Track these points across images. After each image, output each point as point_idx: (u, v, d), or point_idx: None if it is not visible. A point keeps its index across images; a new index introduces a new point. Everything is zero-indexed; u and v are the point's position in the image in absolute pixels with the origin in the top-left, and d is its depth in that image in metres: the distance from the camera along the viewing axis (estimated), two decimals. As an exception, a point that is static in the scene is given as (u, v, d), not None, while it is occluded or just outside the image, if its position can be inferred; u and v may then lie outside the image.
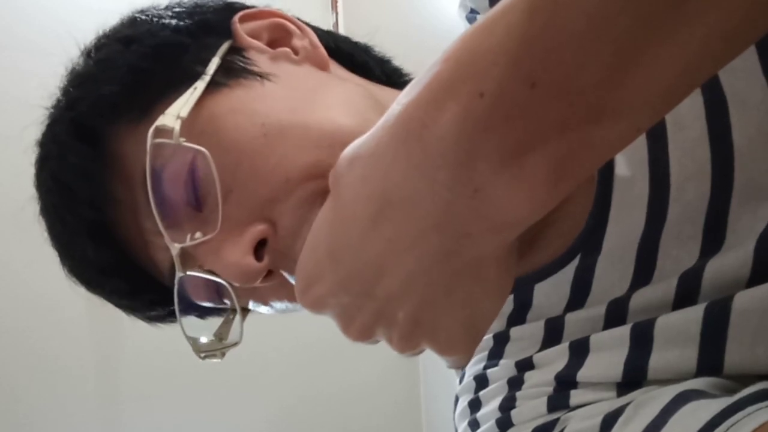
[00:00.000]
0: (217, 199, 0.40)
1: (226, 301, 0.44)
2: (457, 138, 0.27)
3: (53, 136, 0.45)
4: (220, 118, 0.41)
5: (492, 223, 0.29)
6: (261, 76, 0.43)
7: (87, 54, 0.46)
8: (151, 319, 0.50)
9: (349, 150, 0.32)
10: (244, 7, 0.49)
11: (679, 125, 0.40)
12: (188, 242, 0.41)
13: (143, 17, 0.46)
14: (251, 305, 0.46)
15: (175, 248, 0.41)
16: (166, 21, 0.45)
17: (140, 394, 1.74)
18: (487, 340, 0.48)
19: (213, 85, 0.42)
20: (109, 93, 0.43)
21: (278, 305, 0.45)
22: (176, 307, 0.44)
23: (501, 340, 0.47)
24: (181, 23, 0.45)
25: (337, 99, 0.44)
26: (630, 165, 0.41)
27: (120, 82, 0.43)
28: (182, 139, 0.40)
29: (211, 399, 1.83)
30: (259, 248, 0.41)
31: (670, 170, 0.40)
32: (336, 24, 1.97)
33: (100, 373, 1.70)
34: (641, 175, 0.41)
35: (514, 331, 0.47)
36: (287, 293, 0.43)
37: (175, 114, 0.40)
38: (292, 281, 0.41)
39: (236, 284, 0.41)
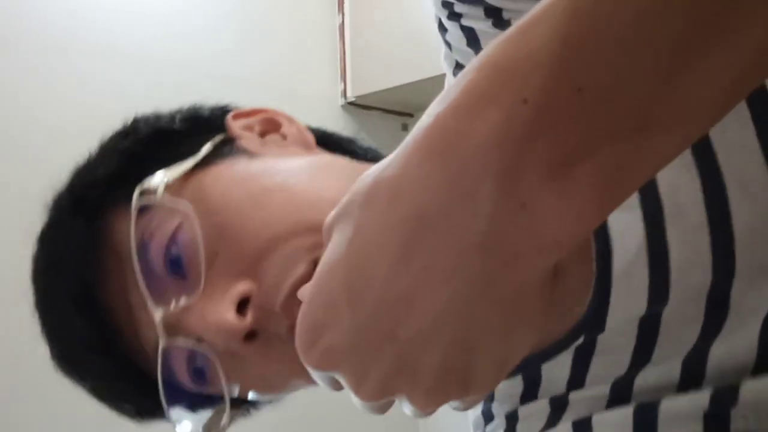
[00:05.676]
0: (202, 263, 0.41)
1: (215, 383, 0.43)
2: (500, 146, 0.25)
3: (52, 216, 0.47)
4: (208, 186, 0.44)
5: (540, 241, 0.26)
6: (249, 153, 0.47)
7: (88, 151, 0.49)
8: (139, 414, 0.48)
9: (366, 176, 0.29)
10: (238, 108, 0.52)
11: (678, 210, 0.39)
12: (172, 308, 0.41)
13: (143, 115, 0.50)
14: (238, 390, 0.44)
15: (158, 314, 0.41)
16: (165, 116, 0.50)
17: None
18: (501, 422, 0.46)
19: (203, 164, 0.45)
20: (104, 174, 0.46)
21: (270, 382, 0.45)
22: (160, 382, 0.43)
23: (511, 420, 0.46)
24: (178, 116, 0.50)
25: (320, 168, 0.47)
26: (628, 252, 0.40)
27: (116, 164, 0.46)
28: (166, 197, 0.42)
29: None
30: (243, 307, 0.41)
31: (669, 257, 0.39)
32: (342, 25, 1.96)
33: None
34: (640, 263, 0.39)
35: (523, 410, 0.45)
36: (277, 363, 0.43)
37: (160, 178, 0.43)
38: (290, 343, 0.40)
39: (218, 344, 0.41)
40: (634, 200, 0.39)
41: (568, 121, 0.24)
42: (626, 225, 0.39)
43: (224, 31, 1.80)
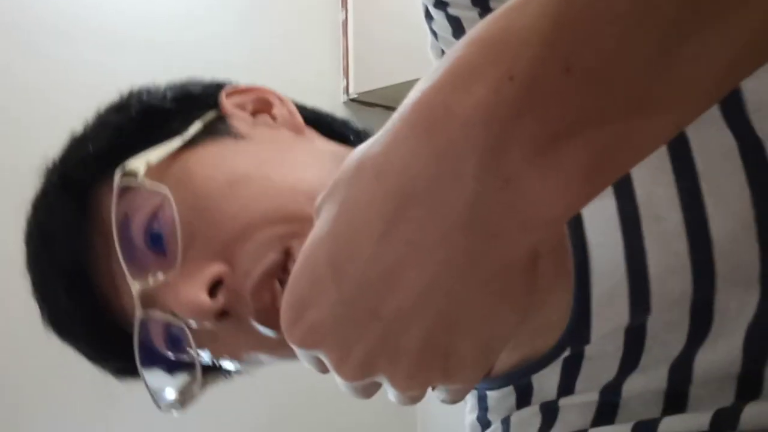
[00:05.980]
0: (179, 242, 0.42)
1: (189, 350, 0.45)
2: (486, 123, 0.25)
3: (44, 190, 0.49)
4: (191, 168, 0.45)
5: (524, 219, 0.26)
6: (236, 135, 0.48)
7: (85, 121, 0.51)
8: (120, 372, 0.50)
9: (354, 154, 0.29)
10: (233, 84, 0.53)
11: (654, 216, 0.39)
12: (149, 282, 0.43)
13: (137, 90, 0.51)
14: (209, 357, 0.46)
15: (135, 287, 0.42)
16: (157, 92, 0.50)
17: (137, 389, 1.73)
18: (498, 427, 0.47)
19: (191, 143, 0.46)
20: (95, 150, 0.47)
21: (241, 355, 0.46)
22: (136, 350, 0.44)
23: (505, 425, 0.46)
24: (170, 94, 0.50)
25: (304, 156, 0.48)
26: (606, 261, 0.40)
27: (106, 141, 0.47)
28: (146, 180, 0.43)
29: (205, 395, 1.83)
30: (217, 288, 0.42)
31: (647, 264, 0.39)
32: (345, 21, 1.96)
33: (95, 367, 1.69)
34: (619, 271, 0.39)
35: (515, 416, 0.45)
36: (249, 340, 0.44)
37: (144, 160, 0.44)
38: (258, 327, 0.42)
39: (192, 323, 0.42)
40: (611, 210, 0.39)
41: (556, 100, 0.24)
42: (604, 235, 0.40)
43: (226, 27, 1.79)
